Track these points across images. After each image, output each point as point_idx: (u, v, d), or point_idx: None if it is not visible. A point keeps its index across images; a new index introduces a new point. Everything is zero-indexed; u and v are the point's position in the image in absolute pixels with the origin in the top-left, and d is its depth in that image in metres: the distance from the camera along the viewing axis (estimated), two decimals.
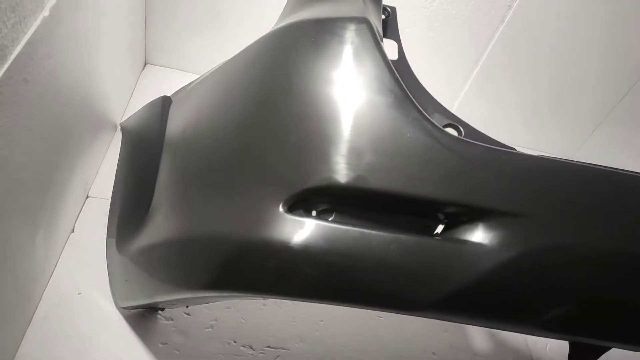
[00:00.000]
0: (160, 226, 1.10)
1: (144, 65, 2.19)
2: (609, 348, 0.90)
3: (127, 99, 1.98)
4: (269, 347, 1.40)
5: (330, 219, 0.85)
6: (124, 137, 1.63)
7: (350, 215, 0.86)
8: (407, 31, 1.89)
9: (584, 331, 0.85)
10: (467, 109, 2.22)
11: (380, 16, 1.04)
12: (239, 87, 1.06)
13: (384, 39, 1.14)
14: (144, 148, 1.40)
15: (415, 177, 0.82)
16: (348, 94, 0.88)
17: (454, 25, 1.99)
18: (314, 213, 0.87)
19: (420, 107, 0.86)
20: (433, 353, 1.54)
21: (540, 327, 0.83)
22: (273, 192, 0.85)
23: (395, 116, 0.85)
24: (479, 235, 0.81)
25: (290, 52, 0.97)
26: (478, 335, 1.63)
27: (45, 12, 0.97)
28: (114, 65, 1.68)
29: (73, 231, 1.46)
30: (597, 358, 0.93)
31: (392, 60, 1.11)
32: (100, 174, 1.64)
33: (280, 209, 0.83)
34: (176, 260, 0.98)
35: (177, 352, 1.31)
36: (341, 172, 0.83)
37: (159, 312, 1.38)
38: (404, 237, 0.82)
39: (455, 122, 1.10)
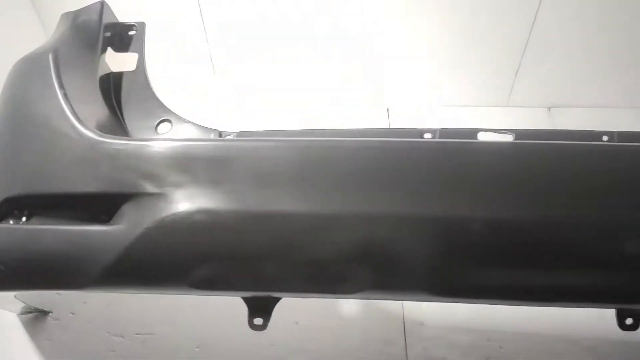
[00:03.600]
0: None
1: None
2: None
3: None
4: (137, 333, 1.59)
5: (22, 222, 1.02)
6: None
7: (47, 217, 1.03)
8: None
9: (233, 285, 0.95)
10: None
11: (97, 38, 1.19)
12: None
13: (129, 52, 1.28)
14: None
15: (70, 178, 0.97)
16: (24, 115, 1.05)
17: None
18: (24, 219, 1.05)
19: (76, 118, 1.00)
20: (296, 322, 1.63)
21: (192, 287, 0.94)
22: None
23: (54, 128, 1.00)
24: (124, 216, 0.95)
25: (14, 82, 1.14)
26: (354, 302, 1.68)
27: None
28: None
29: None
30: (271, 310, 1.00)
31: (129, 71, 1.26)
32: None
33: None
34: None
35: (59, 346, 1.56)
36: (18, 183, 1.00)
37: (49, 313, 1.64)
38: (71, 229, 0.97)
39: (169, 117, 1.21)
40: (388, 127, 2.25)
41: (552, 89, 2.31)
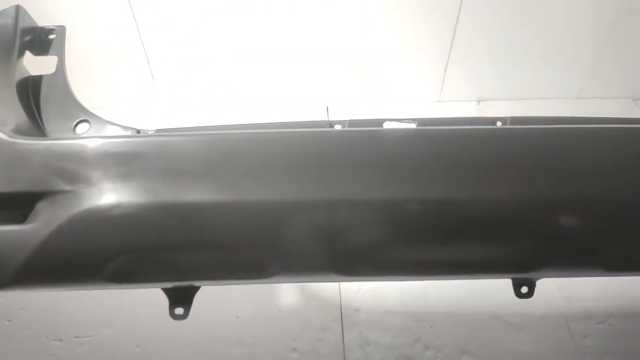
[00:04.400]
0: None
1: None
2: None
3: None
4: (76, 337, 1.60)
5: None
6: None
7: None
8: None
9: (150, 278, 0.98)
10: None
11: (12, 42, 1.20)
12: None
13: (48, 55, 1.30)
14: None
15: None
16: None
17: None
18: None
19: None
20: (237, 316, 1.67)
21: (109, 281, 0.96)
22: None
23: None
24: (39, 215, 0.96)
25: None
26: (286, 290, 1.74)
27: None
28: None
29: None
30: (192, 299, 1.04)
31: (49, 74, 1.27)
32: None
33: None
34: None
35: None
36: None
37: None
38: None
39: (87, 117, 1.24)
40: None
41: (480, 83, 2.44)
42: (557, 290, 1.75)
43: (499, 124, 1.16)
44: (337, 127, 1.16)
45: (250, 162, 0.95)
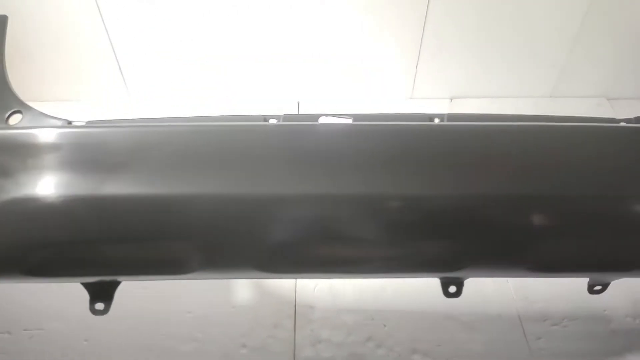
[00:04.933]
0: None
1: None
2: None
3: None
4: (25, 329, 1.59)
5: None
6: None
7: None
8: None
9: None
10: None
11: None
12: None
13: None
14: None
15: None
16: None
17: None
18: None
19: None
20: (189, 312, 1.66)
21: (24, 274, 0.95)
22: None
23: None
24: None
25: None
26: (241, 287, 1.72)
27: None
28: None
29: None
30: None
31: None
32: None
33: None
34: None
35: None
36: None
37: None
38: None
39: (21, 108, 1.22)
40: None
41: (453, 81, 2.42)
42: (514, 291, 1.73)
43: (436, 120, 1.14)
44: (273, 121, 1.14)
45: (169, 156, 0.94)
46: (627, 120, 1.17)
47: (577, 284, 1.77)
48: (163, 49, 2.26)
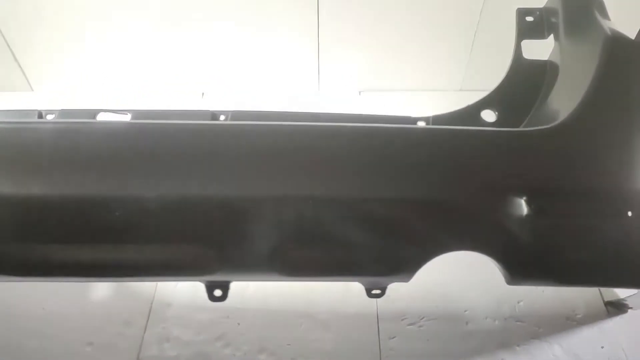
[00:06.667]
0: None
1: None
2: None
3: None
4: None
5: None
6: None
7: None
8: None
9: None
10: None
11: None
12: None
13: None
14: None
15: None
16: None
17: None
18: None
19: None
20: (43, 308, 1.64)
21: None
22: None
23: None
24: None
25: None
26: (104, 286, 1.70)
27: None
28: None
29: None
30: None
31: None
32: None
33: None
34: None
35: None
36: None
37: None
38: None
39: None
40: None
41: (360, 74, 2.37)
42: None
43: (222, 117, 1.11)
44: (50, 116, 1.11)
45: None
46: (426, 119, 1.13)
47: (441, 281, 1.74)
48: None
